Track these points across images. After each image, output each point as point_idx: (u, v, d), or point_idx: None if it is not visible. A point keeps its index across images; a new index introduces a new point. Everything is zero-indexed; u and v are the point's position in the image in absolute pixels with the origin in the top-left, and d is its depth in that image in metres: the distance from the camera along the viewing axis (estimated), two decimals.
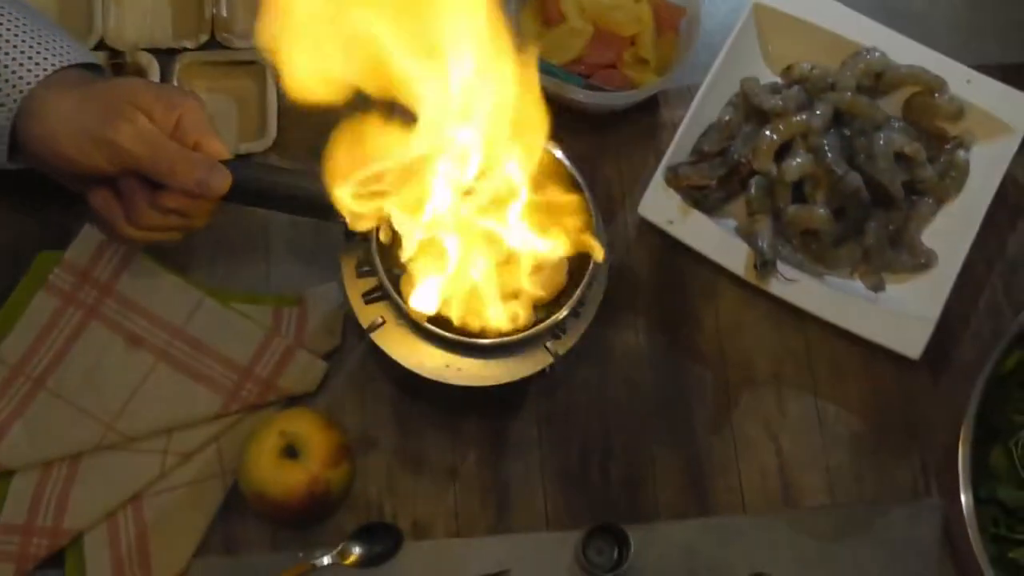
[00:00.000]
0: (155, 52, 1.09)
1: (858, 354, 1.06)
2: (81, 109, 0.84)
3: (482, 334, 0.90)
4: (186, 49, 1.10)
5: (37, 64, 0.86)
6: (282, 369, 1.01)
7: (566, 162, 0.93)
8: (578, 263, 0.92)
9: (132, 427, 0.99)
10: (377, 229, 0.89)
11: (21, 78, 0.85)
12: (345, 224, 0.87)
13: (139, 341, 1.01)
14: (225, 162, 0.87)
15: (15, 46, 0.86)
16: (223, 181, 0.85)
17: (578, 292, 0.91)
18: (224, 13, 1.11)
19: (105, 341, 1.01)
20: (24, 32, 0.87)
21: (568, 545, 1.00)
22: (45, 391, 0.99)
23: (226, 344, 1.02)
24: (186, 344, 1.01)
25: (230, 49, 1.10)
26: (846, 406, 1.05)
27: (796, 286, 1.02)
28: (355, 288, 0.93)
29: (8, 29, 0.87)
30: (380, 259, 0.90)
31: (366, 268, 0.92)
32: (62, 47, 0.88)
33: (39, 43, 0.87)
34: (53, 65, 0.86)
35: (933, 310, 1.02)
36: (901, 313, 1.03)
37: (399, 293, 0.90)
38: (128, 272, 1.03)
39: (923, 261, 1.05)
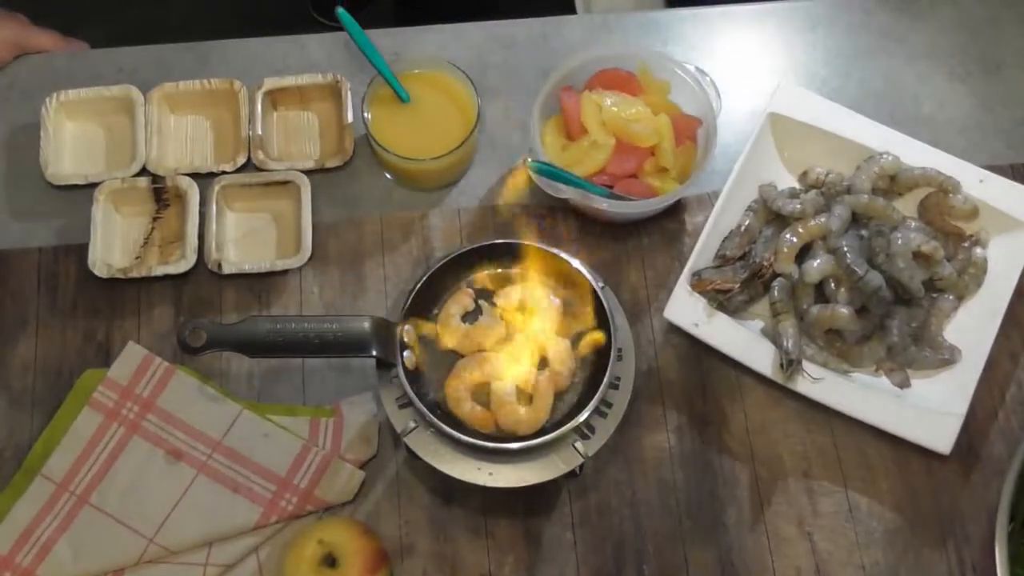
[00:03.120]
0: (195, 175, 1.13)
1: (887, 450, 1.06)
2: None
3: (508, 436, 0.93)
4: (224, 172, 1.14)
5: None
6: (320, 479, 1.02)
7: (578, 266, 0.97)
8: (599, 365, 0.95)
9: (173, 540, 1.00)
10: (403, 356, 0.94)
11: None
12: (375, 356, 0.93)
13: (179, 454, 1.03)
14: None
15: None
16: None
17: (599, 393, 0.93)
18: (260, 136, 1.15)
19: (147, 455, 1.03)
20: None
21: None
22: (89, 507, 1.01)
23: (264, 456, 1.03)
24: (225, 456, 1.03)
25: (266, 171, 1.14)
26: (878, 502, 1.05)
27: (822, 384, 1.03)
28: (389, 394, 0.95)
29: None
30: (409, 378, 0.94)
31: (402, 398, 0.95)
32: None
33: None
34: None
35: (960, 405, 1.02)
36: (928, 409, 1.03)
37: (436, 411, 0.94)
38: (169, 388, 1.05)
39: (947, 357, 1.06)
